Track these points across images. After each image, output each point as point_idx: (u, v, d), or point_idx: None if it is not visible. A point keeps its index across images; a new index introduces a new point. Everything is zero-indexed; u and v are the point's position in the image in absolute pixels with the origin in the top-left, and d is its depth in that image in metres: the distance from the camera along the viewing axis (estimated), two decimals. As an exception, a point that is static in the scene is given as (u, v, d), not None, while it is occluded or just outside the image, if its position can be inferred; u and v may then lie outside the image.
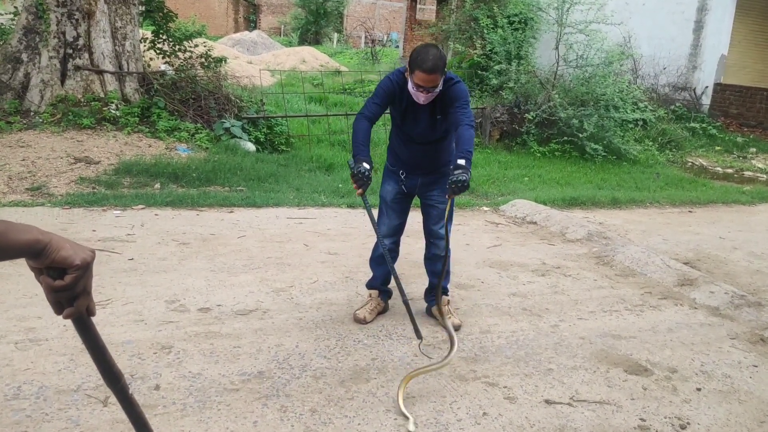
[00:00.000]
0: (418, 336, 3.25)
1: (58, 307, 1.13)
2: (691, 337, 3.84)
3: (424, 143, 3.52)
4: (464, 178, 3.09)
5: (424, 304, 3.92)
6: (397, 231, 3.73)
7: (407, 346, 3.42)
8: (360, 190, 3.25)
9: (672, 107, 13.07)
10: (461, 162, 3.14)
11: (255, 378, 2.97)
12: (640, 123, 11.58)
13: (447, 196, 3.21)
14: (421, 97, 3.27)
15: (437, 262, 3.69)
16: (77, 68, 8.02)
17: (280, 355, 3.21)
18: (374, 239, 3.80)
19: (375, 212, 3.71)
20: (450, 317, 3.68)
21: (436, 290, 3.47)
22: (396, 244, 3.75)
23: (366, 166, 3.23)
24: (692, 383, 3.25)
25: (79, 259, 1.10)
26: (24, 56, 8.05)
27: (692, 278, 4.75)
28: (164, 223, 5.21)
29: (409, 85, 3.28)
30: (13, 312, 3.35)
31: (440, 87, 3.27)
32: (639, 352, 3.56)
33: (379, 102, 3.39)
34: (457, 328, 3.64)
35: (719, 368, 3.44)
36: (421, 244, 4.93)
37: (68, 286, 1.10)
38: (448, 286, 3.83)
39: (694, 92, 13.90)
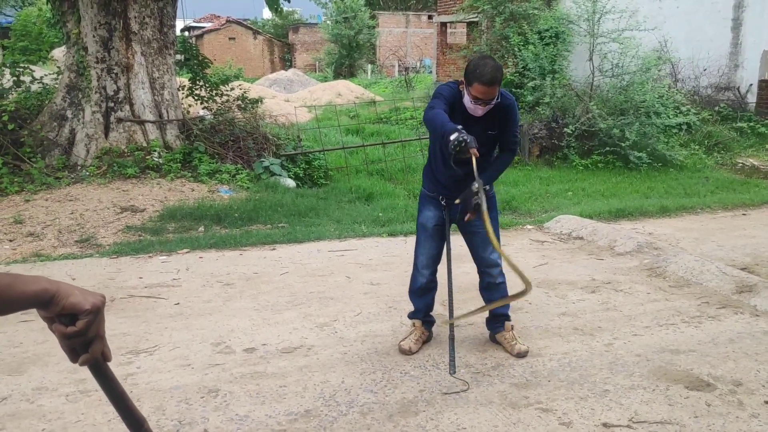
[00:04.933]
0: (452, 368, 3.32)
1: (73, 354, 1.14)
2: (755, 346, 3.65)
3: (467, 162, 3.19)
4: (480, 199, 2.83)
5: (467, 332, 3.85)
6: (435, 260, 3.65)
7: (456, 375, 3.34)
8: (474, 150, 2.87)
9: (716, 108, 12.70)
10: (475, 186, 2.91)
11: (302, 417, 2.93)
12: (684, 127, 11.28)
13: (467, 216, 3.10)
14: (479, 111, 3.22)
15: (493, 291, 3.59)
16: (119, 120, 8.27)
17: (326, 392, 3.16)
18: None
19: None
20: (515, 343, 3.60)
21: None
22: (434, 274, 3.66)
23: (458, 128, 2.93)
24: (759, 396, 3.08)
25: (89, 304, 1.11)
26: (68, 113, 8.36)
27: (751, 284, 4.54)
28: (208, 265, 5.27)
29: (466, 99, 3.22)
30: (63, 365, 3.40)
31: (497, 99, 3.21)
32: (700, 367, 3.40)
33: (444, 102, 3.20)
34: (523, 355, 3.54)
35: (788, 379, 3.26)
36: (461, 268, 4.87)
37: (80, 331, 1.10)
38: (509, 312, 3.72)
39: (738, 91, 13.50)
